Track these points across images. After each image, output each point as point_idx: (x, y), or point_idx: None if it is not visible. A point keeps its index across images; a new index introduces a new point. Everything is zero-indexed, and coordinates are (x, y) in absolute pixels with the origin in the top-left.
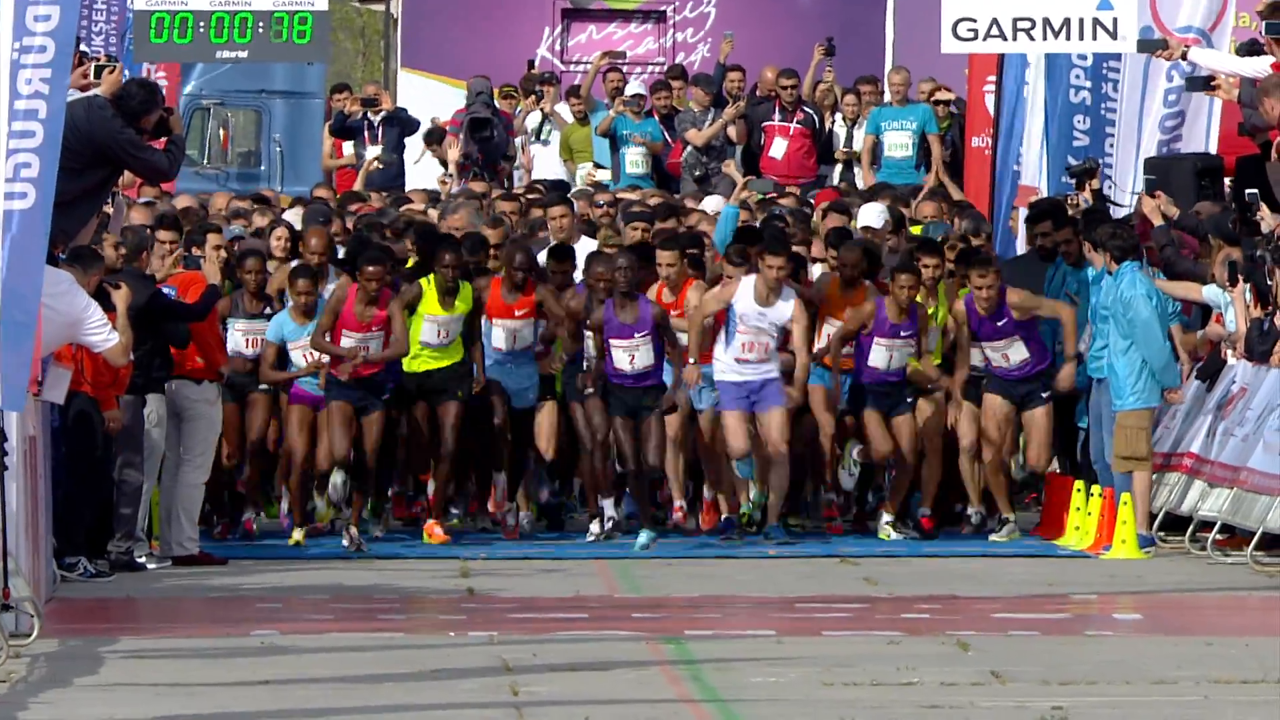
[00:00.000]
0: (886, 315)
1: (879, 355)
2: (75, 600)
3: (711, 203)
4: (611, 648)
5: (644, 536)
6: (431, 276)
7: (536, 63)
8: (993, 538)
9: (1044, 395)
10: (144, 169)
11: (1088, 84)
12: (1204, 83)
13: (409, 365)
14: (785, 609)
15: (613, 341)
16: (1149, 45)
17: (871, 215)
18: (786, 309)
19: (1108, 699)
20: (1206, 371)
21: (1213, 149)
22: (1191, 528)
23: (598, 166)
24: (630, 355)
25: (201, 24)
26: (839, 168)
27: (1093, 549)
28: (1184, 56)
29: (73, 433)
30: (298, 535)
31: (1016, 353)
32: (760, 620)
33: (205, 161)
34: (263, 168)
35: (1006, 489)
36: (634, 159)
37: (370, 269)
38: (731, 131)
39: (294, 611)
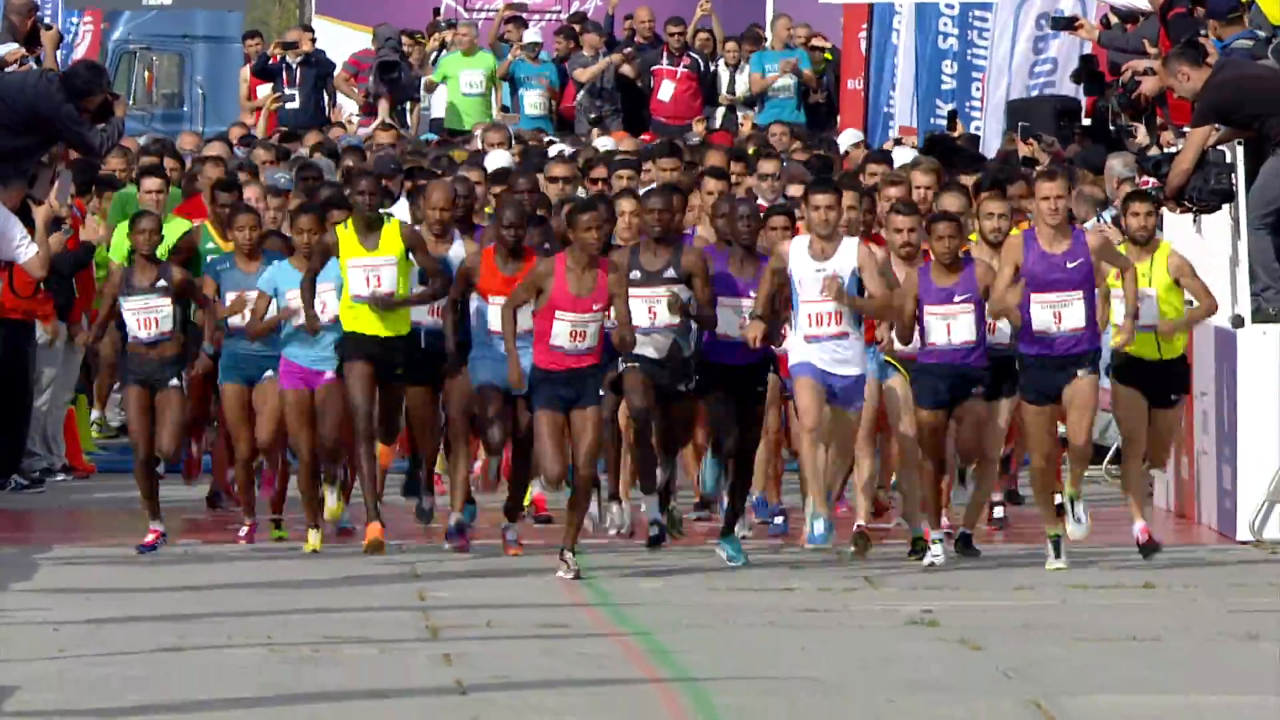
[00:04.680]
0: (932, 278)
1: (938, 329)
2: (8, 511)
3: (604, 142)
4: (512, 559)
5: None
6: (350, 219)
7: (442, 9)
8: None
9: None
10: (77, 141)
11: (955, 31)
12: (1068, 23)
13: (350, 324)
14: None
15: (722, 300)
16: None
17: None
18: (849, 253)
19: (973, 603)
20: None
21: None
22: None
23: (504, 110)
24: (741, 319)
25: None
26: (721, 110)
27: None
28: None
29: None
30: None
31: (1072, 316)
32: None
33: (132, 103)
34: (185, 109)
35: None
36: (533, 100)
37: (586, 216)
38: (628, 69)
39: (217, 523)
